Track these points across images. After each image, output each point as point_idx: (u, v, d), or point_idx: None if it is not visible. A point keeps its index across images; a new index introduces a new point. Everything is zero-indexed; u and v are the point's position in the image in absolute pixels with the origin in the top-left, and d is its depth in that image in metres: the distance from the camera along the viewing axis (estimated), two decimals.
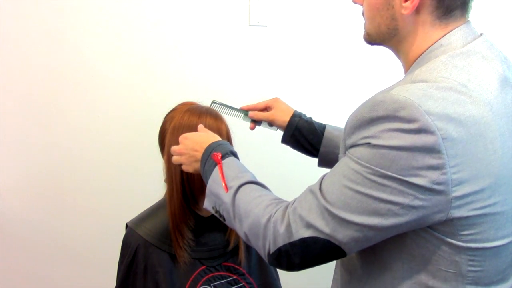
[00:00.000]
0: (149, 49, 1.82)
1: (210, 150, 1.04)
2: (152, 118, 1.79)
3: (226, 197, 0.95)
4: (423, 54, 0.86)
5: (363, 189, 0.78)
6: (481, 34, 0.88)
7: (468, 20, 0.88)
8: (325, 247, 0.82)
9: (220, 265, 1.26)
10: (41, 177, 1.80)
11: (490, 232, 0.81)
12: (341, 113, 1.97)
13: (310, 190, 0.86)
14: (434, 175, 0.75)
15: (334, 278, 1.06)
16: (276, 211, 0.87)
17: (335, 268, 1.04)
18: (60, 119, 1.79)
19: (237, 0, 1.87)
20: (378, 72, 1.96)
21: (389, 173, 0.76)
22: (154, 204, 1.30)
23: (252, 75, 1.92)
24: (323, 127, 1.30)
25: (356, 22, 1.96)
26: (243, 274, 1.29)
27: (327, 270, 2.00)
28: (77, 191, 1.83)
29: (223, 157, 1.01)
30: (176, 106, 1.29)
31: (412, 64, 0.88)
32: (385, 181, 0.77)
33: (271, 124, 1.32)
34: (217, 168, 1.00)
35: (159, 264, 1.20)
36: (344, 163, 0.83)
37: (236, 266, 1.28)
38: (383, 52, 2.05)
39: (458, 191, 0.76)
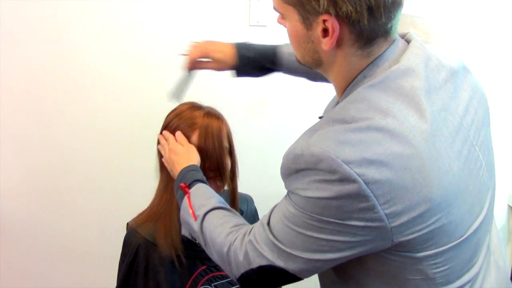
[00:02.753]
0: (149, 49, 1.82)
1: (179, 178, 1.10)
2: (152, 118, 1.78)
3: (195, 225, 1.00)
4: (349, 86, 0.85)
5: (303, 231, 0.81)
6: (408, 41, 0.86)
7: (393, 40, 0.85)
8: (281, 274, 0.86)
9: None
10: (41, 177, 1.80)
11: (442, 241, 0.81)
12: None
13: (262, 223, 0.90)
14: (367, 215, 0.76)
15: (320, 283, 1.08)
16: (235, 240, 0.92)
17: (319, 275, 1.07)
18: (60, 118, 1.79)
19: (237, 0, 1.87)
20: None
21: (324, 218, 0.78)
22: (155, 204, 1.29)
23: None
24: (272, 54, 1.28)
25: None
26: None
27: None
28: (77, 191, 1.83)
29: (190, 186, 1.07)
30: (177, 106, 1.29)
31: (344, 92, 0.87)
32: (322, 224, 0.79)
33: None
34: (185, 198, 1.05)
35: (160, 264, 1.20)
36: (285, 204, 0.85)
37: None
38: None
39: (395, 222, 0.77)
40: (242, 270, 0.89)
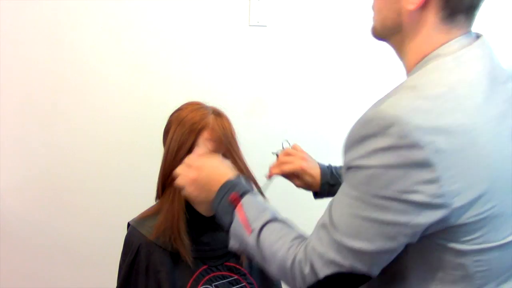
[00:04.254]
0: (149, 49, 1.82)
1: (227, 188, 1.01)
2: (152, 118, 1.79)
3: (250, 239, 0.94)
4: (421, 62, 0.86)
5: (367, 214, 0.79)
6: (478, 37, 0.88)
7: (470, 31, 0.87)
8: (350, 278, 0.83)
9: (221, 265, 1.26)
10: (41, 177, 1.80)
11: (491, 234, 0.81)
12: (341, 113, 1.98)
13: (322, 224, 0.87)
14: (432, 189, 0.75)
15: None
16: (298, 252, 0.88)
17: None
18: (60, 119, 1.79)
19: (237, 0, 1.87)
20: (378, 72, 1.96)
21: (388, 194, 0.77)
22: (156, 203, 1.30)
23: (252, 75, 1.92)
24: None
25: (356, 22, 1.97)
26: (244, 274, 1.29)
27: None
28: (77, 191, 1.83)
29: (241, 197, 0.99)
30: (182, 106, 1.29)
31: (413, 68, 0.88)
32: (386, 203, 0.77)
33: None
34: (236, 210, 0.98)
35: (161, 263, 1.20)
36: (345, 191, 0.84)
37: (237, 266, 1.28)
38: (383, 52, 2.05)
39: (457, 202, 0.76)
40: (309, 283, 0.85)
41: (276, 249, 0.91)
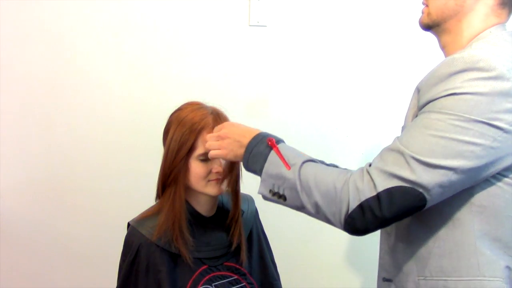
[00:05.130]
0: (149, 50, 1.82)
1: (261, 136, 1.06)
2: (152, 118, 1.79)
3: (290, 173, 0.96)
4: (475, 38, 0.97)
5: (447, 134, 0.85)
6: None
7: (505, 23, 1.01)
8: (409, 195, 0.86)
9: (221, 265, 1.26)
10: (41, 177, 1.79)
11: None
12: (341, 112, 1.98)
13: (389, 148, 0.91)
14: (511, 117, 0.85)
15: (380, 265, 1.10)
16: (351, 175, 0.91)
17: (380, 255, 1.10)
18: (60, 119, 1.79)
19: (237, 0, 1.86)
20: (378, 72, 1.96)
21: (472, 117, 0.84)
22: (156, 203, 1.30)
23: (252, 75, 1.92)
24: None
25: (356, 22, 1.97)
26: (244, 274, 1.29)
27: (327, 271, 2.02)
28: (77, 191, 1.83)
29: (277, 142, 1.04)
30: (181, 106, 1.29)
31: (461, 48, 0.96)
32: (468, 125, 0.84)
33: None
34: (274, 151, 1.01)
35: (161, 263, 1.20)
36: (423, 117, 0.89)
37: (237, 266, 1.29)
38: (383, 52, 2.05)
39: None
40: (362, 199, 0.87)
41: (324, 176, 0.93)
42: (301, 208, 0.97)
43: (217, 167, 1.22)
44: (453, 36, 1.01)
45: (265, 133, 1.09)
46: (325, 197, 0.92)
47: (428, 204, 0.87)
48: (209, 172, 1.22)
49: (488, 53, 0.87)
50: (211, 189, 1.23)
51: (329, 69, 1.97)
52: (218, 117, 1.24)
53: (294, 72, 1.95)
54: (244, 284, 1.28)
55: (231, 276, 1.27)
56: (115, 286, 1.26)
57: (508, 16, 1.02)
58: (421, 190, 0.85)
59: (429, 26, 1.04)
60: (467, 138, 0.84)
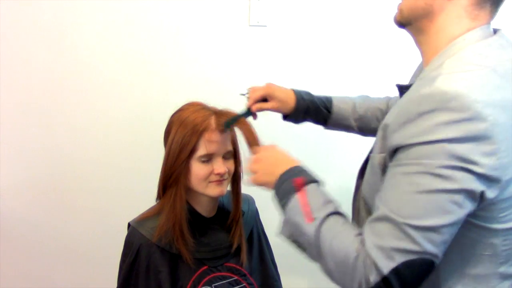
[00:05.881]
0: (149, 49, 1.82)
1: (290, 174, 0.98)
2: (152, 118, 1.79)
3: (309, 229, 0.89)
4: (449, 46, 0.88)
5: (434, 186, 0.78)
6: (495, 32, 0.91)
7: (490, 24, 0.91)
8: (417, 267, 0.80)
9: (222, 266, 1.27)
10: (41, 177, 1.79)
11: None
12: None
13: (375, 219, 0.84)
14: (491, 161, 0.77)
15: None
16: (361, 247, 0.84)
17: None
18: (60, 119, 1.79)
19: (237, 0, 1.86)
20: (378, 72, 1.96)
21: (453, 164, 0.77)
22: (157, 204, 1.30)
23: (252, 75, 1.92)
24: (329, 102, 1.35)
25: (356, 21, 1.97)
26: (244, 275, 1.29)
27: None
28: (77, 191, 1.83)
29: (306, 183, 0.96)
30: (183, 106, 1.28)
31: (435, 54, 0.90)
32: (452, 172, 0.77)
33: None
34: (297, 196, 0.93)
35: (161, 264, 1.21)
36: (401, 172, 0.82)
37: (237, 267, 1.29)
38: (383, 52, 2.05)
39: (507, 175, 0.80)
40: (372, 282, 0.80)
41: (338, 243, 0.86)
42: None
43: (218, 168, 1.21)
44: (426, 37, 0.93)
45: (298, 168, 1.01)
46: (338, 267, 0.86)
47: (438, 262, 0.82)
48: (210, 173, 1.22)
49: (461, 87, 0.77)
50: (212, 191, 1.23)
51: (329, 69, 1.97)
52: (220, 118, 1.23)
53: (294, 72, 1.95)
54: (244, 284, 1.28)
55: (231, 277, 1.27)
56: (115, 287, 1.26)
57: (490, 16, 0.90)
58: (428, 256, 0.79)
59: (402, 23, 0.96)
60: (456, 186, 0.77)
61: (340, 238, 0.87)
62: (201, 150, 1.21)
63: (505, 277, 0.88)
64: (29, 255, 1.82)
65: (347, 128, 1.38)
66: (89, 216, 1.84)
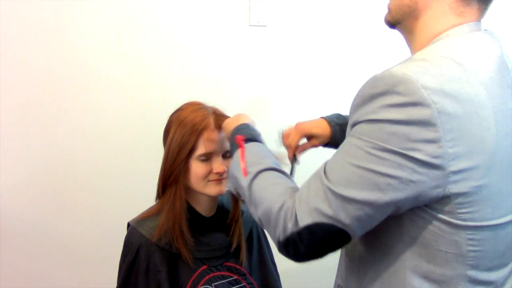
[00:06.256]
0: (149, 49, 1.82)
1: (234, 131, 1.06)
2: (152, 118, 1.79)
3: (244, 181, 0.95)
4: (431, 43, 0.88)
5: (363, 164, 0.80)
6: (485, 30, 0.90)
7: (480, 22, 0.90)
8: (329, 231, 0.82)
9: (221, 265, 1.26)
10: (41, 177, 1.79)
11: (487, 211, 0.83)
12: (341, 112, 1.97)
13: (315, 174, 0.87)
14: (431, 148, 0.77)
15: (338, 270, 1.07)
16: (288, 199, 0.87)
17: (339, 260, 1.06)
18: (60, 119, 1.79)
19: (237, 0, 1.87)
20: (378, 71, 1.96)
21: (388, 147, 0.78)
22: (156, 204, 1.30)
23: (252, 75, 1.92)
24: None
25: (355, 21, 1.97)
26: (244, 274, 1.29)
27: (328, 271, 2.01)
28: (77, 191, 1.83)
29: (246, 141, 1.02)
30: (182, 106, 1.29)
31: (423, 48, 0.90)
32: (384, 155, 0.78)
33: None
34: (238, 152, 1.00)
35: (161, 264, 1.20)
36: (347, 141, 0.85)
37: (237, 266, 1.29)
38: (383, 52, 2.05)
39: (454, 166, 0.78)
40: (288, 233, 0.84)
41: (267, 193, 0.91)
42: None
43: (217, 167, 1.21)
44: (414, 36, 0.93)
45: (244, 125, 1.08)
46: (264, 216, 0.90)
47: (354, 238, 0.83)
48: (209, 172, 1.22)
49: (411, 73, 0.78)
50: (211, 190, 1.23)
51: (329, 69, 1.97)
52: (219, 117, 1.23)
53: (294, 72, 1.95)
54: (244, 284, 1.28)
55: (231, 276, 1.27)
56: (115, 286, 1.26)
57: (479, 14, 0.89)
58: (340, 226, 0.81)
59: (391, 23, 0.97)
60: (383, 169, 0.78)
61: (270, 189, 0.91)
62: (200, 149, 1.21)
63: (476, 282, 0.86)
64: (29, 255, 1.82)
65: None
66: (89, 216, 1.84)
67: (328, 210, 0.81)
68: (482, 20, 0.91)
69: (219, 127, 1.22)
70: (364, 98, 0.82)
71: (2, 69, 1.72)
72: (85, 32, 1.76)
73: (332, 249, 0.86)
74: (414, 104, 0.76)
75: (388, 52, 1.96)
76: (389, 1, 0.97)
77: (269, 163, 0.97)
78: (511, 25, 2.06)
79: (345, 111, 1.95)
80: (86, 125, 1.80)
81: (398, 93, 0.78)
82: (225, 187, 1.27)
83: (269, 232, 0.91)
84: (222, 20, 1.86)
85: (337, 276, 1.07)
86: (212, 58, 1.87)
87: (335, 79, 1.98)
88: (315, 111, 1.98)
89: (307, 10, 1.93)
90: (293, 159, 1.24)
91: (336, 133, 1.27)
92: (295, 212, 0.84)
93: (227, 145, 1.24)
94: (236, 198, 1.32)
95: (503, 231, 0.86)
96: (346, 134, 0.90)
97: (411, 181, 0.78)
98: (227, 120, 1.17)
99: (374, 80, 0.82)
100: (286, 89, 1.95)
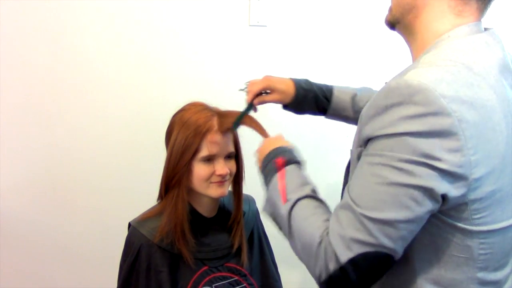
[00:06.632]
0: (149, 49, 1.82)
1: (273, 154, 1.02)
2: (152, 118, 1.79)
3: (283, 209, 0.92)
4: (433, 44, 0.87)
5: (394, 179, 0.77)
6: (486, 29, 0.90)
7: (480, 22, 0.89)
8: (374, 259, 0.80)
9: (222, 266, 1.27)
10: (41, 177, 1.79)
11: (497, 213, 0.83)
12: None
13: (340, 206, 0.85)
14: (456, 158, 0.76)
15: None
16: (326, 236, 0.84)
17: None
18: (60, 119, 1.78)
19: (237, 0, 1.86)
20: (378, 72, 1.96)
21: (414, 158, 0.76)
22: (158, 204, 1.29)
23: (252, 75, 1.91)
24: (328, 91, 1.33)
25: (355, 21, 1.97)
26: (245, 275, 1.29)
27: None
28: (77, 191, 1.83)
29: (286, 164, 0.98)
30: (184, 107, 1.28)
31: (424, 50, 0.89)
32: (412, 167, 0.76)
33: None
34: (277, 176, 0.96)
35: (161, 264, 1.21)
36: (367, 162, 0.82)
37: (238, 267, 1.29)
38: (383, 51, 2.05)
39: (476, 173, 0.78)
40: (331, 271, 0.81)
41: (306, 226, 0.88)
42: None
43: (220, 169, 1.21)
44: (413, 35, 0.92)
45: (283, 148, 1.04)
46: (304, 250, 0.87)
47: (396, 258, 0.81)
48: (212, 174, 1.22)
49: (427, 81, 0.76)
50: (213, 191, 1.23)
51: (329, 69, 1.97)
52: (222, 119, 1.23)
53: (294, 72, 1.94)
54: (244, 285, 1.28)
55: (232, 277, 1.27)
56: (115, 287, 1.26)
57: (479, 13, 0.88)
58: (386, 251, 0.79)
59: (392, 23, 0.95)
60: (415, 182, 0.76)
61: (309, 221, 0.88)
62: (204, 151, 1.20)
63: (484, 283, 0.86)
64: (29, 255, 1.82)
65: (346, 118, 1.35)
66: (89, 216, 1.84)
67: (369, 239, 0.78)
68: (482, 20, 0.90)
69: (222, 129, 1.22)
70: (378, 109, 0.80)
71: (2, 69, 1.72)
72: (86, 32, 1.76)
73: (378, 276, 0.83)
74: (434, 114, 0.75)
75: (388, 52, 1.96)
76: (390, 3, 0.96)
77: (309, 190, 0.94)
78: (511, 25, 2.06)
79: None
80: (86, 125, 1.80)
81: (416, 103, 0.76)
82: (227, 188, 1.27)
83: (307, 266, 0.88)
84: (222, 20, 1.86)
85: None
86: (212, 58, 1.87)
87: (335, 79, 1.97)
88: None
89: (307, 10, 1.93)
90: (250, 104, 1.28)
91: (299, 95, 1.28)
92: (333, 249, 0.81)
93: (230, 147, 1.25)
94: (238, 199, 1.31)
95: (509, 232, 0.86)
96: (354, 145, 0.88)
97: (441, 191, 0.77)
98: (265, 142, 1.11)
99: (388, 90, 0.80)
100: None
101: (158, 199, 1.30)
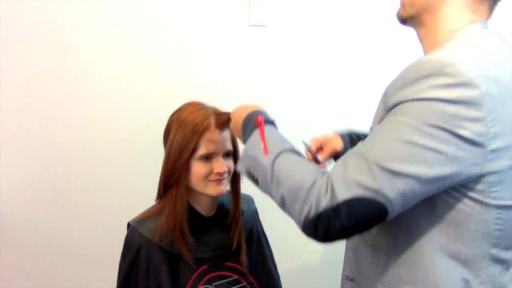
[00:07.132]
0: (149, 49, 1.82)
1: (254, 114, 1.05)
2: (152, 118, 1.79)
3: (265, 160, 0.94)
4: (450, 38, 0.92)
5: (412, 138, 0.81)
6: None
7: (487, 21, 0.95)
8: (369, 207, 0.82)
9: (221, 265, 1.27)
10: (41, 177, 1.79)
11: (510, 189, 0.87)
12: (341, 112, 1.98)
13: (352, 153, 0.87)
14: (476, 127, 0.80)
15: (345, 262, 1.07)
16: (319, 179, 0.86)
17: (345, 252, 1.07)
18: (60, 119, 1.79)
19: (237, 0, 1.87)
20: (378, 72, 1.96)
21: (437, 123, 0.80)
22: (157, 204, 1.30)
23: (252, 75, 1.92)
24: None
25: (356, 21, 1.97)
26: (244, 274, 1.29)
27: (328, 271, 2.02)
28: (77, 191, 1.83)
29: (265, 123, 1.02)
30: (182, 106, 1.29)
31: (438, 45, 0.92)
32: (433, 130, 0.80)
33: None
34: (257, 131, 0.99)
35: (161, 263, 1.21)
36: (389, 120, 0.86)
37: (237, 266, 1.29)
38: (383, 52, 2.05)
39: (493, 144, 0.82)
40: (322, 209, 0.82)
41: (295, 171, 0.90)
42: (270, 196, 0.95)
43: (218, 167, 1.21)
44: (428, 30, 0.96)
45: (261, 111, 1.08)
46: (291, 193, 0.88)
47: (390, 216, 0.83)
48: (210, 172, 1.22)
49: (457, 57, 0.82)
50: (212, 190, 1.23)
51: (329, 69, 1.97)
52: (220, 117, 1.23)
53: (294, 72, 1.95)
54: (244, 284, 1.28)
55: (231, 276, 1.27)
56: (115, 286, 1.26)
57: (489, 13, 0.95)
58: (383, 200, 0.81)
59: (405, 19, 0.99)
60: (432, 144, 0.80)
61: (299, 167, 0.91)
62: (202, 150, 1.21)
63: (497, 261, 0.90)
64: (29, 255, 1.82)
65: None
66: (89, 216, 1.84)
67: (373, 184, 0.81)
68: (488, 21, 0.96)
69: (220, 127, 1.22)
70: (408, 81, 0.84)
71: (2, 69, 1.72)
72: (85, 32, 1.76)
73: (366, 227, 0.86)
74: (462, 84, 0.80)
75: (389, 52, 1.96)
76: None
77: (291, 146, 0.97)
78: (511, 25, 2.06)
79: (345, 110, 1.96)
80: (86, 125, 1.80)
81: (446, 75, 0.81)
82: (225, 187, 1.27)
83: (292, 211, 0.88)
84: (222, 20, 1.86)
85: (344, 268, 1.08)
86: (212, 58, 1.87)
87: (335, 79, 1.98)
88: (315, 111, 1.99)
89: (307, 10, 1.93)
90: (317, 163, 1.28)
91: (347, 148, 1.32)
92: (332, 187, 0.83)
93: (228, 145, 1.25)
94: (237, 198, 1.31)
95: None
96: (374, 122, 0.92)
97: (456, 157, 0.81)
98: (239, 107, 1.14)
99: (418, 64, 0.84)
100: (286, 89, 1.95)
101: (156, 198, 1.30)
